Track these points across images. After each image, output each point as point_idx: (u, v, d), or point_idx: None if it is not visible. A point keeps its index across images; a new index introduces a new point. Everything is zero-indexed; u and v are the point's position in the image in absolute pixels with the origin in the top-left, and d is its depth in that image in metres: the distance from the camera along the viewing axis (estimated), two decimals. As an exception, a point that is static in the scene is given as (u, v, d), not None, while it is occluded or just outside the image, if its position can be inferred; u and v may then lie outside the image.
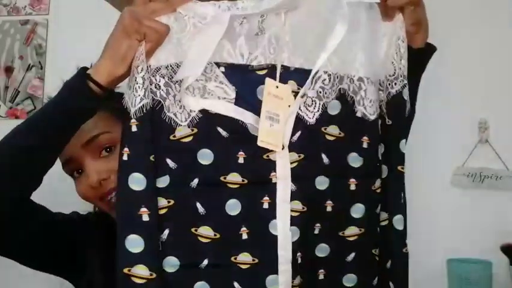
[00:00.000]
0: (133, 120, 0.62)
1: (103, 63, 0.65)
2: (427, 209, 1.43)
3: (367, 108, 0.72)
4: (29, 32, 1.75)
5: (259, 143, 0.66)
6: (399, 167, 0.72)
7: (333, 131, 0.71)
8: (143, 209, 0.61)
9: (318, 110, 0.70)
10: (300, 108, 0.69)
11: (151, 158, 0.63)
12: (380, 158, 0.74)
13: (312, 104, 0.69)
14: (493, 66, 1.44)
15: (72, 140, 0.71)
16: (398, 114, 0.71)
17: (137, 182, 0.61)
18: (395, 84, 0.70)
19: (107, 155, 0.81)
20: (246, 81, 0.68)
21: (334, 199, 0.71)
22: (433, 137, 1.45)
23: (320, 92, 0.69)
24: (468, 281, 1.27)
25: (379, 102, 0.73)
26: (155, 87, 0.65)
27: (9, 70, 1.75)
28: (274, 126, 0.66)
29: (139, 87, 0.62)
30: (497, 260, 1.31)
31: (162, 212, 0.64)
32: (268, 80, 0.68)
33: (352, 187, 0.72)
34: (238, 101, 0.67)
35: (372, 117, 0.72)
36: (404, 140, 0.72)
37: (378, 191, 0.74)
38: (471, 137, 1.42)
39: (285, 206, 0.67)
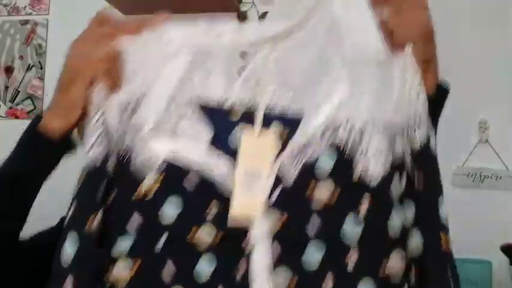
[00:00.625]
0: (81, 173, 0.54)
1: (52, 115, 0.60)
2: (427, 209, 1.43)
3: (371, 162, 0.57)
4: (29, 32, 1.75)
5: (231, 220, 0.54)
6: (442, 237, 0.53)
7: (323, 190, 0.57)
8: (68, 280, 0.52)
9: (303, 164, 0.57)
10: (283, 162, 0.57)
11: (93, 218, 0.54)
12: (400, 225, 0.56)
13: (297, 156, 0.57)
14: (493, 66, 1.44)
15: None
16: (427, 169, 0.56)
17: (69, 243, 0.54)
18: (415, 131, 0.57)
19: None
20: (221, 123, 0.59)
21: (332, 273, 0.55)
22: (433, 137, 1.45)
23: (307, 145, 0.58)
24: (468, 281, 1.27)
25: (402, 154, 0.58)
26: (121, 131, 0.56)
27: (9, 70, 1.75)
28: (252, 188, 0.56)
29: (92, 135, 0.54)
30: (497, 260, 1.31)
31: (123, 278, 0.54)
32: (244, 136, 0.57)
33: (353, 259, 0.55)
34: (212, 145, 0.58)
35: (377, 173, 0.57)
36: (441, 198, 0.57)
37: (397, 266, 0.55)
38: (471, 137, 1.42)
39: (263, 274, 0.54)
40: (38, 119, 0.62)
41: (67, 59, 0.58)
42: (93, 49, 0.56)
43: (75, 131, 0.63)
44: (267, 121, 0.58)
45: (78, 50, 0.58)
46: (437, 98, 0.67)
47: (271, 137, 0.58)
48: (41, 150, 0.61)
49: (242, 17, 1.57)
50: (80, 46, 0.58)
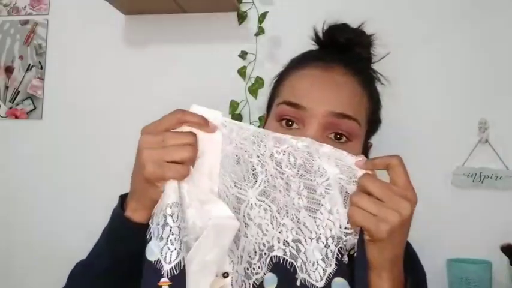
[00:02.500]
0: (164, 280, 0.50)
1: (136, 205, 0.58)
2: (427, 209, 1.42)
3: (311, 273, 0.57)
4: (29, 32, 1.75)
5: None
6: None
7: None
8: None
9: None
10: None
11: None
12: None
13: (242, 285, 0.58)
14: (493, 66, 1.44)
15: (321, 96, 0.65)
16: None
17: None
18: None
19: (335, 141, 0.67)
20: None
21: None
22: (433, 137, 1.45)
23: (247, 269, 0.59)
24: (468, 281, 1.27)
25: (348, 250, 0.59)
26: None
27: (9, 70, 1.75)
28: None
29: (175, 239, 0.50)
30: (497, 260, 1.31)
31: None
32: None
33: None
34: None
35: (320, 285, 0.57)
36: None
37: None
38: (471, 137, 1.42)
39: None
40: (121, 202, 0.60)
41: (141, 157, 0.54)
42: (165, 153, 0.54)
43: None
44: None
45: (152, 154, 0.54)
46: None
47: None
48: (134, 238, 0.57)
49: (242, 17, 1.57)
50: (152, 150, 0.55)
